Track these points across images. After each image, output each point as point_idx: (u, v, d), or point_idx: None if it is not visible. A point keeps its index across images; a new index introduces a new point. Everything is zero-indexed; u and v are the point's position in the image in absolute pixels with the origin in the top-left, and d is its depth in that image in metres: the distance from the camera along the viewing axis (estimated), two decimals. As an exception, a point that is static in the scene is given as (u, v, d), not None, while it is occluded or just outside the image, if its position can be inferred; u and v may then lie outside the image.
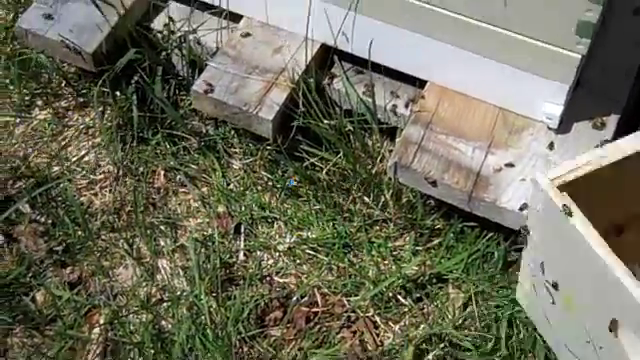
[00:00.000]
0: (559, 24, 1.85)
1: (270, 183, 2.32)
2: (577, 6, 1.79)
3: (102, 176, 2.40)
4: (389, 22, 2.10)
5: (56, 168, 2.42)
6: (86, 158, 2.44)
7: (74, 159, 2.43)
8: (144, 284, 2.22)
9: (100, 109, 2.44)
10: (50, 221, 2.32)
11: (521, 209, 1.94)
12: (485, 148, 2.05)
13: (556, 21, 1.85)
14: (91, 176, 2.40)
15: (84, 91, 2.52)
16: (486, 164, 2.03)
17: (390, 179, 2.12)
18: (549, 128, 2.06)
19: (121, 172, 2.38)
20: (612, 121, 2.07)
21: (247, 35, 2.31)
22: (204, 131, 2.41)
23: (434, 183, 2.02)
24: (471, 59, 2.04)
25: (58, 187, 2.37)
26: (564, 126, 2.06)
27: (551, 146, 2.04)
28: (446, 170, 2.03)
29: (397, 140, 2.17)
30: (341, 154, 2.22)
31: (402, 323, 2.12)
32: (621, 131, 2.10)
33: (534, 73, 1.98)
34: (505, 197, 1.97)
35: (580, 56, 1.89)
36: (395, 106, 2.19)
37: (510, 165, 2.02)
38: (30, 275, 2.23)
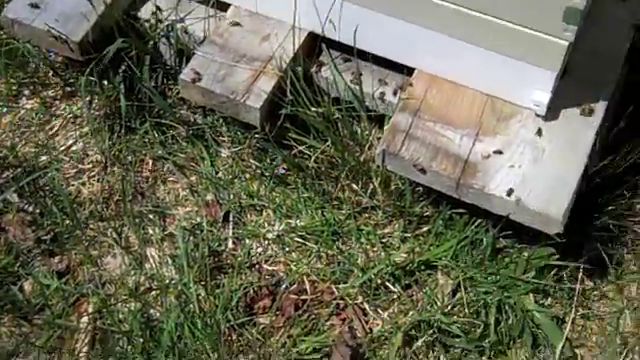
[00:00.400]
0: (546, 11, 1.85)
1: (259, 171, 2.32)
2: (564, -7, 1.80)
3: (90, 165, 2.40)
4: (376, 10, 2.10)
5: (44, 157, 2.41)
6: (74, 147, 2.43)
7: (62, 148, 2.43)
8: (133, 273, 2.22)
9: (88, 98, 2.43)
10: (38, 210, 2.31)
11: (508, 194, 1.95)
12: (473, 135, 2.05)
13: (543, 8, 1.85)
14: (79, 165, 2.40)
15: (71, 80, 2.51)
16: (474, 151, 2.03)
17: (378, 167, 2.12)
18: (537, 115, 2.06)
19: (109, 161, 2.38)
20: (600, 108, 2.08)
21: (235, 24, 2.31)
22: (192, 120, 2.41)
23: (422, 170, 2.02)
24: (459, 46, 2.04)
25: (46, 176, 2.36)
26: (552, 113, 2.06)
27: (539, 133, 2.04)
28: (434, 157, 2.03)
29: (385, 128, 2.17)
30: (329, 142, 2.22)
31: (391, 310, 2.12)
32: (609, 118, 2.11)
33: (522, 60, 1.98)
34: (493, 184, 1.97)
35: (567, 43, 1.89)
36: (383, 94, 2.19)
37: (498, 152, 2.02)
38: (18, 264, 2.23)
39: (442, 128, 2.07)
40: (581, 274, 2.12)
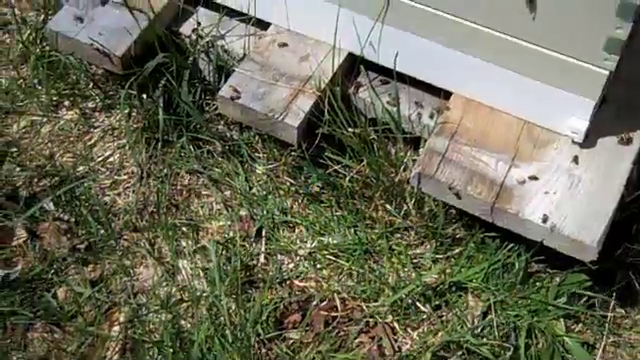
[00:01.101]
0: (588, 40, 1.87)
1: (293, 188, 2.34)
2: (607, 23, 1.82)
3: (126, 177, 2.43)
4: (416, 33, 2.12)
5: (81, 168, 2.44)
6: (111, 159, 2.46)
7: (99, 159, 2.46)
8: (164, 284, 2.24)
9: (126, 111, 2.47)
10: (73, 219, 2.34)
11: (543, 220, 1.96)
12: (509, 160, 2.07)
13: (585, 37, 1.87)
14: (115, 176, 2.43)
15: (111, 93, 2.55)
16: (510, 176, 2.04)
17: (412, 188, 2.14)
18: (574, 142, 2.08)
19: (145, 173, 2.41)
20: (638, 137, 2.08)
21: (274, 42, 2.34)
22: (228, 135, 2.44)
23: (458, 194, 2.04)
24: (498, 72, 2.06)
25: (82, 186, 2.39)
26: (589, 141, 2.07)
27: (576, 160, 2.05)
28: (470, 181, 2.04)
29: (421, 150, 2.19)
30: (365, 162, 2.24)
31: (420, 330, 2.13)
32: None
33: (561, 88, 1.99)
34: (528, 210, 1.98)
35: (608, 72, 1.91)
36: (419, 116, 2.21)
37: (534, 178, 2.03)
38: (52, 272, 2.26)
39: (478, 152, 2.09)
40: (613, 301, 2.13)
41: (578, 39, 1.89)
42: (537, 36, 1.94)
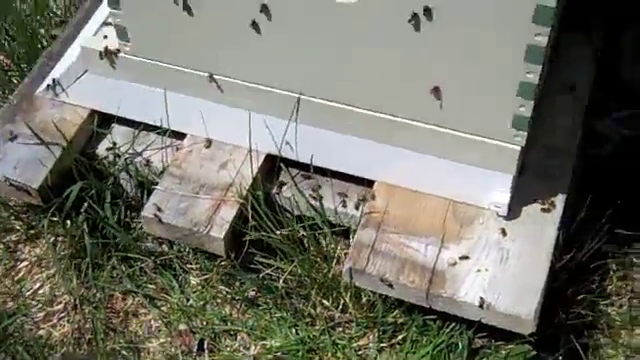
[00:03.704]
0: (496, 120, 1.91)
1: (229, 296, 2.32)
2: (511, 103, 1.86)
3: (59, 307, 2.37)
4: (330, 129, 2.14)
5: (10, 304, 2.39)
6: (41, 291, 2.41)
7: (28, 293, 2.41)
8: (111, 414, 2.19)
9: (52, 240, 2.43)
10: (10, 358, 2.28)
11: (479, 300, 1.97)
12: (438, 243, 2.07)
13: (493, 117, 1.91)
14: (48, 308, 2.37)
15: (34, 223, 2.51)
16: (440, 259, 2.04)
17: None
18: (499, 215, 2.10)
19: (78, 301, 2.36)
20: (560, 200, 2.11)
21: (192, 153, 2.33)
22: (159, 250, 2.41)
23: (390, 285, 2.04)
24: (417, 158, 2.08)
25: (14, 323, 2.34)
26: (513, 212, 2.09)
27: (503, 232, 2.07)
28: (401, 270, 2.04)
29: (350, 243, 2.19)
30: (296, 262, 2.23)
31: None
32: (569, 209, 2.15)
33: (479, 165, 2.02)
34: (462, 291, 1.99)
35: (519, 147, 1.95)
36: (345, 207, 2.22)
37: (465, 257, 2.04)
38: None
39: (406, 239, 2.09)
40: (560, 367, 2.14)
41: (486, 120, 1.92)
42: (448, 121, 1.97)
